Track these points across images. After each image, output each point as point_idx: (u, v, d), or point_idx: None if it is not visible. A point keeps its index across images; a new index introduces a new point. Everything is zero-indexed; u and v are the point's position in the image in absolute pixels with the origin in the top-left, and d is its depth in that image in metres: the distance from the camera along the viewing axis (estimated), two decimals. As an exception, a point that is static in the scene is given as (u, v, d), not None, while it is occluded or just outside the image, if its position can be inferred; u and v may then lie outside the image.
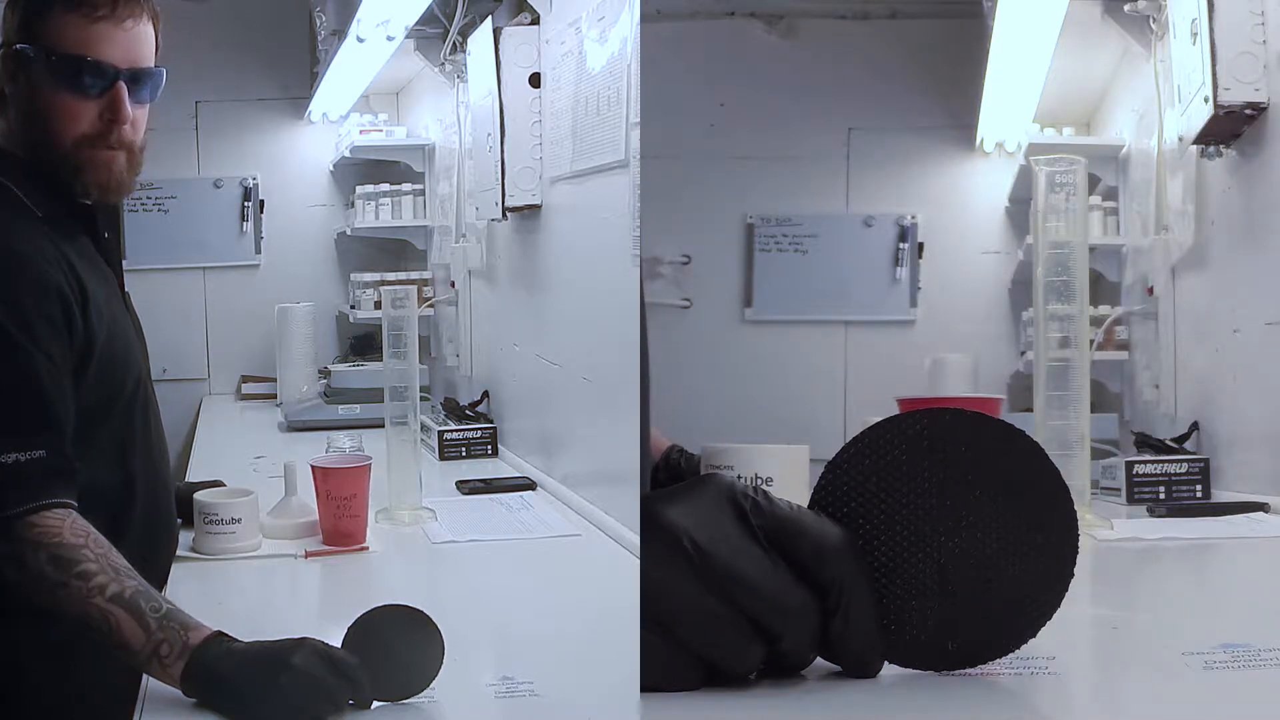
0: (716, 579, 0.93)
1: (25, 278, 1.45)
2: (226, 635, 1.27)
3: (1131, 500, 2.15)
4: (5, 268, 1.45)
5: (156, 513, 1.68)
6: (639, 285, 1.49)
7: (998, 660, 1.00)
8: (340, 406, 3.31)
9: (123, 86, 1.53)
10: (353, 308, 3.74)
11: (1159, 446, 2.29)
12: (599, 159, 2.02)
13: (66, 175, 1.54)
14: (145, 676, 1.28)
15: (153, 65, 1.58)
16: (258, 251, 4.06)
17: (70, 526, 1.35)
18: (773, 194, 3.48)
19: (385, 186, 3.70)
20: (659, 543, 0.94)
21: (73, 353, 1.49)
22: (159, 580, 1.69)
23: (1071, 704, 1.00)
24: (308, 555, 1.82)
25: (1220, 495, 2.14)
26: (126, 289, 1.71)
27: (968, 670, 1.00)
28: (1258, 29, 2.08)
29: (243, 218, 4.02)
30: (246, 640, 1.26)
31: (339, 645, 1.22)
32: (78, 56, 1.50)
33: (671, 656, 0.94)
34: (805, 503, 1.02)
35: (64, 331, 1.47)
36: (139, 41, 1.55)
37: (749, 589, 0.93)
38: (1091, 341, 2.27)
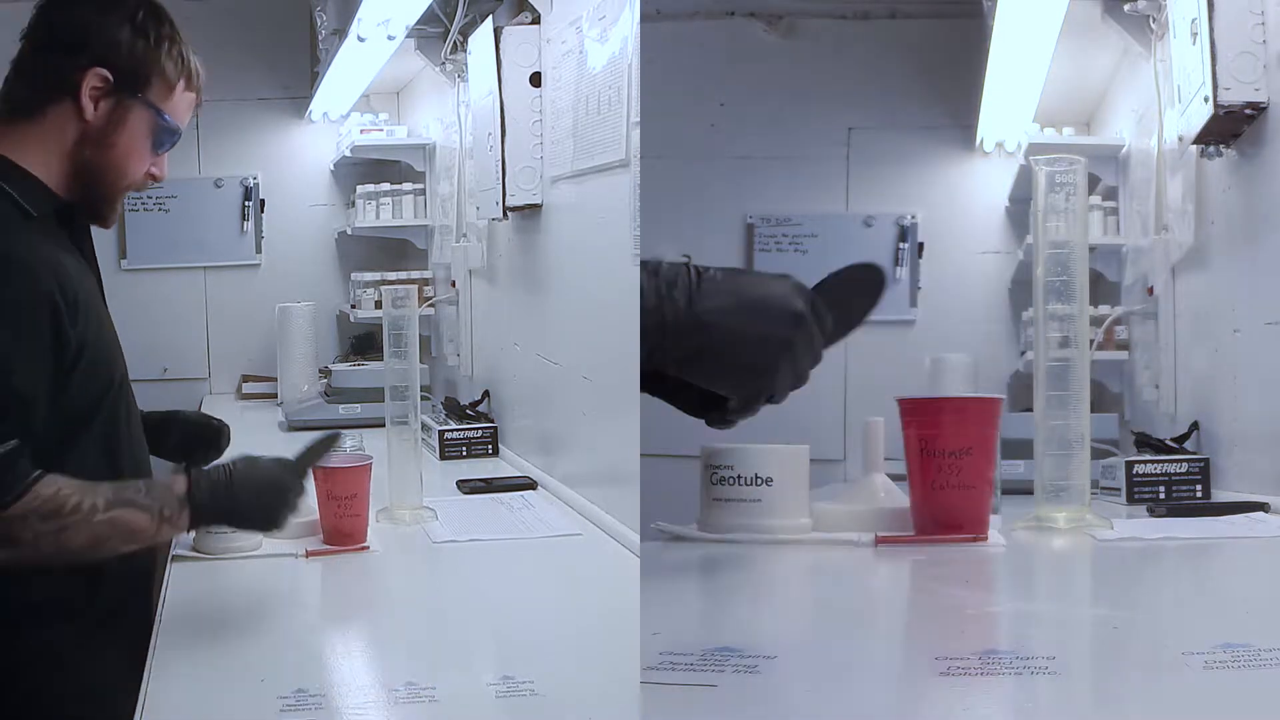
0: None
1: (17, 283, 1.46)
2: (198, 472, 1.50)
3: (1131, 500, 2.15)
4: (2, 272, 1.45)
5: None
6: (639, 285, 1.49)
7: (998, 660, 1.00)
8: (341, 406, 3.31)
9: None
10: (353, 307, 3.74)
11: (1159, 446, 2.29)
12: (599, 158, 2.02)
13: (103, 204, 1.62)
14: (146, 679, 1.29)
15: None
16: (258, 251, 4.06)
17: (42, 486, 1.42)
18: (773, 194, 3.49)
19: (386, 186, 3.70)
20: None
21: (64, 358, 1.49)
22: (151, 565, 1.74)
23: (1071, 704, 1.00)
24: (308, 555, 1.82)
25: (1220, 495, 2.14)
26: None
27: (967, 670, 1.00)
28: (1258, 29, 2.08)
29: (243, 217, 4.03)
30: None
31: None
32: (176, 129, 1.62)
33: None
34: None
35: (50, 340, 1.47)
36: None
37: None
38: (1091, 341, 2.28)
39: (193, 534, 1.83)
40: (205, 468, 1.52)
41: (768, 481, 1.55)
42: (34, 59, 1.57)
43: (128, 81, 1.55)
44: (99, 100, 1.55)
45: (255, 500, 1.52)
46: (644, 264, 1.21)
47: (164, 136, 1.61)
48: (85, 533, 1.43)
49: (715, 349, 1.21)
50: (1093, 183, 2.88)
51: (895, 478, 1.63)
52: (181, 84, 1.61)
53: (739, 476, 1.55)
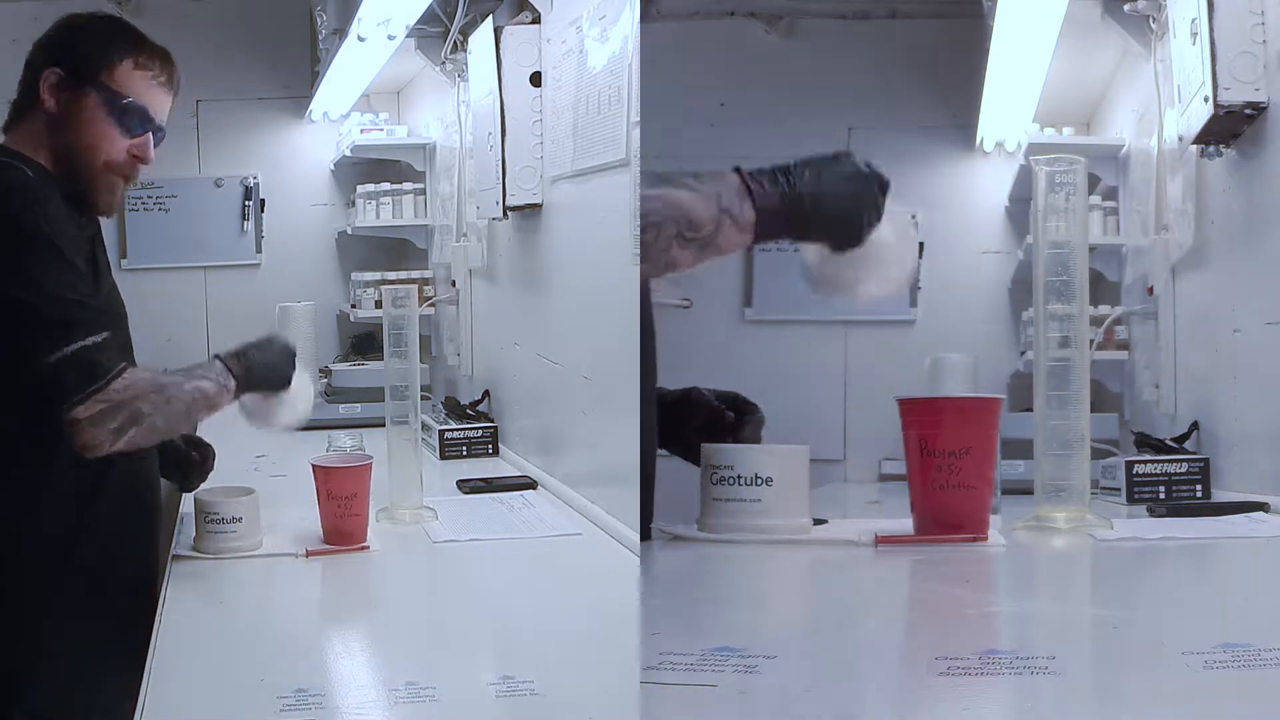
0: None
1: (60, 217, 1.70)
2: (228, 356, 1.82)
3: (1131, 500, 2.15)
4: (43, 200, 1.69)
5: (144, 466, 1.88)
6: (639, 285, 1.50)
7: (998, 660, 1.00)
8: (341, 405, 3.31)
9: (150, 136, 1.83)
10: (354, 307, 3.74)
11: (1159, 446, 2.29)
12: (600, 158, 2.02)
13: (89, 192, 1.80)
14: (146, 679, 1.29)
15: None
16: (258, 251, 4.06)
17: (134, 370, 1.68)
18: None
19: (386, 186, 3.70)
20: None
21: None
22: (153, 564, 1.84)
23: (1071, 704, 1.00)
24: (308, 554, 1.82)
25: (1220, 495, 2.14)
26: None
27: (967, 670, 1.00)
28: (1258, 29, 2.08)
29: (244, 217, 4.02)
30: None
31: None
32: (135, 103, 1.80)
33: None
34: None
35: (83, 271, 1.72)
36: (168, 107, 1.87)
37: None
38: (1091, 341, 2.28)
39: (194, 533, 1.84)
40: (226, 351, 1.84)
41: (768, 481, 1.55)
42: (21, 82, 1.84)
43: (78, 72, 1.79)
44: (57, 93, 1.78)
45: (272, 368, 1.88)
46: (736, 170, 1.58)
47: (129, 116, 1.80)
48: (182, 401, 1.72)
49: (821, 215, 1.51)
50: (1093, 183, 2.88)
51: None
52: (128, 64, 1.80)
53: (739, 476, 1.55)
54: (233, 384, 1.81)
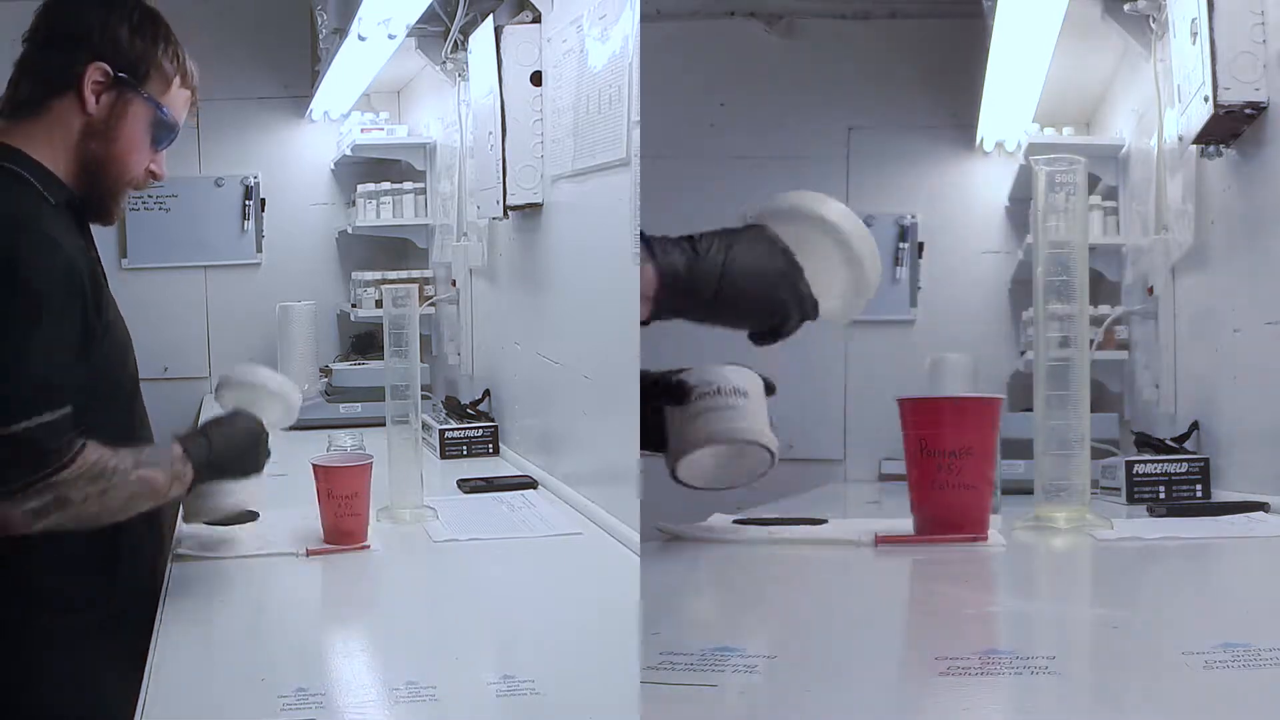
0: None
1: (57, 260, 1.52)
2: (185, 437, 1.66)
3: (1131, 500, 2.15)
4: (40, 249, 1.51)
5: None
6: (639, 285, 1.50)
7: (998, 660, 1.00)
8: (341, 405, 3.31)
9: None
10: (354, 306, 3.74)
11: (1159, 446, 2.29)
12: (600, 157, 2.02)
13: (107, 199, 1.68)
14: (146, 679, 1.29)
15: None
16: (259, 250, 4.06)
17: (88, 451, 1.50)
18: (773, 194, 3.49)
19: (386, 185, 3.70)
20: None
21: (88, 340, 1.56)
22: (152, 563, 1.77)
23: (1071, 704, 1.00)
24: (309, 554, 1.82)
25: (1220, 495, 2.14)
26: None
27: (967, 670, 1.00)
28: (1258, 29, 2.08)
29: (244, 216, 4.02)
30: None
31: None
32: (175, 122, 1.69)
33: None
34: None
35: (80, 320, 1.55)
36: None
37: None
38: (1091, 341, 2.28)
39: (193, 528, 1.84)
40: (187, 432, 1.69)
41: (744, 394, 1.56)
42: (37, 57, 1.64)
43: (127, 76, 1.62)
44: (100, 93, 1.61)
45: (238, 451, 1.71)
46: (641, 234, 1.47)
47: (163, 132, 1.67)
48: (123, 492, 1.54)
49: (733, 290, 1.40)
50: (1093, 183, 2.88)
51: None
52: (177, 81, 1.67)
53: (717, 390, 1.56)
54: (189, 474, 1.64)
